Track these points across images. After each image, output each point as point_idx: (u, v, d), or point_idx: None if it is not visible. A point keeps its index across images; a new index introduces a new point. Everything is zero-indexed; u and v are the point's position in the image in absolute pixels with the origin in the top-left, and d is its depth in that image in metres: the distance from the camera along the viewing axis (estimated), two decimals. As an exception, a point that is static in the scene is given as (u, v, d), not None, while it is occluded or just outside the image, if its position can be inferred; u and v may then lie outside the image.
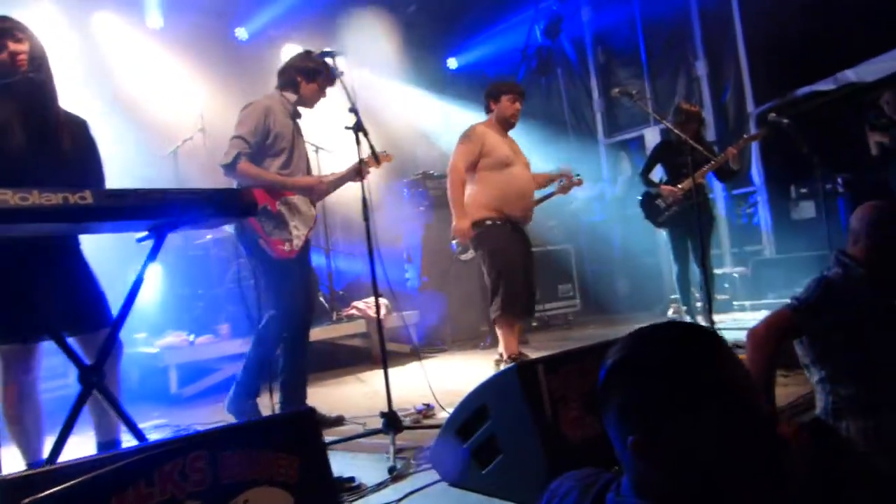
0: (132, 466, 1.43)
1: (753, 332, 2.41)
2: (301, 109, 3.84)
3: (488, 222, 4.49)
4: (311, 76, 3.77)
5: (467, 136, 4.57)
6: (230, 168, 3.53)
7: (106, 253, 5.01)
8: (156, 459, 1.47)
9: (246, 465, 1.60)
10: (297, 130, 3.79)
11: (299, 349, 3.74)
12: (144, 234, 2.63)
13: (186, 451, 1.52)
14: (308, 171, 3.87)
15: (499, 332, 4.56)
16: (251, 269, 3.79)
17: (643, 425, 1.04)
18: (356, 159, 3.38)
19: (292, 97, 3.78)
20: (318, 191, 3.78)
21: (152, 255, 2.59)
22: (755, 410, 1.08)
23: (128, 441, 2.84)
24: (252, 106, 3.64)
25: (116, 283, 4.71)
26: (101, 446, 2.99)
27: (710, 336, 1.14)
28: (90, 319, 2.84)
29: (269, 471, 1.64)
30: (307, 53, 3.85)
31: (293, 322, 3.67)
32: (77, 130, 2.96)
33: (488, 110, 4.73)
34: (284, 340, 3.68)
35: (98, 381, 2.38)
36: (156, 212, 2.36)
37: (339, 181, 3.84)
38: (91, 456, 1.51)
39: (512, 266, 4.47)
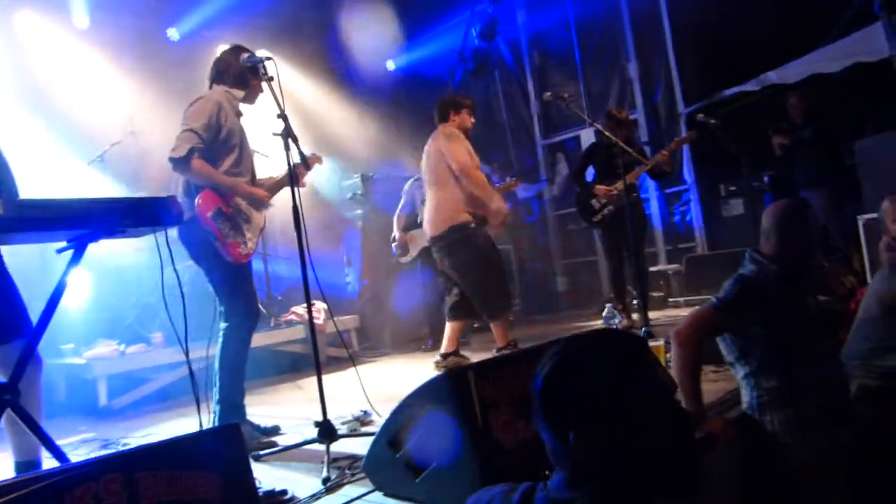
0: (40, 492, 1.37)
1: (677, 332, 2.49)
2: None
3: (472, 224, 4.58)
4: (257, 72, 3.55)
5: (457, 136, 4.65)
6: (183, 162, 3.31)
7: (29, 259, 4.86)
8: (66, 483, 1.41)
9: (164, 486, 1.56)
10: (243, 131, 3.68)
11: (243, 360, 3.61)
12: (63, 244, 2.54)
13: (100, 474, 1.46)
14: (253, 170, 3.78)
15: (497, 328, 4.65)
16: (204, 269, 3.57)
17: (573, 427, 1.14)
18: (286, 166, 3.32)
19: (239, 94, 3.64)
20: (264, 204, 3.71)
21: (72, 265, 2.50)
22: (670, 412, 1.19)
23: (49, 460, 2.72)
24: (203, 100, 3.47)
25: (38, 289, 4.57)
26: (20, 466, 2.84)
27: (635, 344, 1.24)
28: (5, 331, 2.70)
29: (190, 490, 1.59)
30: (243, 48, 3.69)
31: (250, 325, 3.59)
32: None
33: (446, 118, 4.77)
34: (225, 349, 3.54)
35: (12, 400, 2.28)
36: (75, 222, 2.29)
37: (276, 186, 3.78)
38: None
39: (498, 265, 4.68)
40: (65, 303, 2.49)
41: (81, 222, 2.31)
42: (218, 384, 3.48)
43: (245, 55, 3.59)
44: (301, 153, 3.20)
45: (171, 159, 3.34)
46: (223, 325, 3.54)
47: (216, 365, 3.52)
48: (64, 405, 4.81)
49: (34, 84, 6.27)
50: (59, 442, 2.50)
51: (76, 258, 2.48)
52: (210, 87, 3.67)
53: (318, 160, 3.74)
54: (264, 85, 3.25)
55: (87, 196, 3.42)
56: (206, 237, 3.39)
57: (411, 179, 6.68)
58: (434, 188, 4.73)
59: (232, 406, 3.47)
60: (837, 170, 5.96)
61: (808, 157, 6.02)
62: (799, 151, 6.06)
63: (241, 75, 3.61)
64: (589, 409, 1.13)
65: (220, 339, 3.54)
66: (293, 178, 3.26)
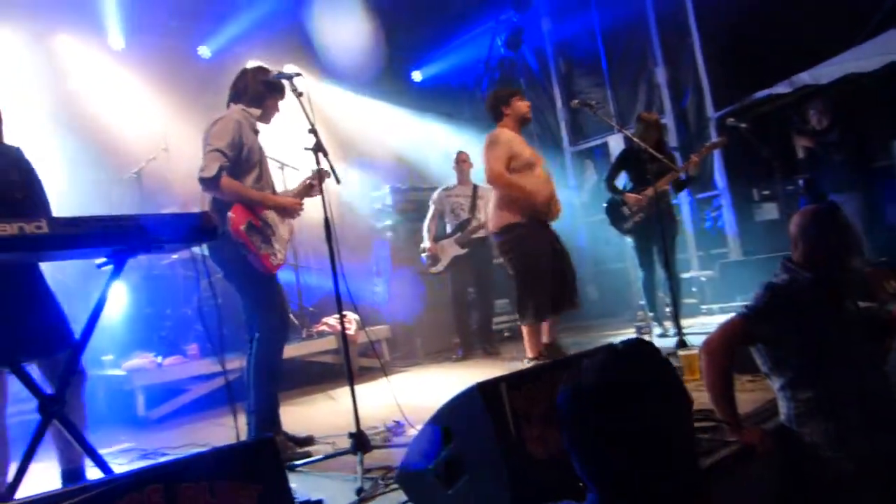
0: (87, 503, 1.42)
1: (707, 343, 2.46)
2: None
3: (516, 226, 4.61)
4: (275, 90, 3.74)
5: (494, 142, 4.64)
6: (213, 182, 3.39)
7: (69, 270, 4.98)
8: (111, 494, 1.45)
9: (205, 497, 1.59)
10: (261, 148, 3.76)
11: (277, 371, 3.67)
12: (103, 260, 2.61)
13: (142, 485, 1.50)
14: (273, 184, 3.86)
15: (525, 334, 4.68)
16: (236, 286, 3.64)
17: (591, 451, 1.15)
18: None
19: (256, 112, 3.73)
20: (295, 211, 3.77)
21: (112, 279, 2.56)
22: (691, 435, 1.18)
23: (92, 468, 2.79)
24: (224, 119, 3.56)
25: (80, 301, 4.69)
26: (65, 475, 2.95)
27: (656, 358, 1.21)
28: (51, 344, 2.80)
29: (230, 501, 1.63)
30: (263, 68, 3.80)
31: (282, 336, 3.65)
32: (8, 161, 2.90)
33: (501, 117, 4.80)
34: (260, 359, 3.56)
35: (58, 411, 2.34)
36: (114, 238, 2.34)
37: (301, 193, 3.84)
38: (44, 493, 1.48)
39: (541, 271, 4.58)
40: (103, 315, 2.55)
41: (120, 238, 2.37)
42: (252, 395, 3.52)
43: (270, 74, 3.68)
44: (332, 167, 3.24)
45: (202, 179, 3.41)
46: (256, 337, 3.57)
47: (249, 376, 3.56)
48: (104, 415, 4.90)
49: (72, 104, 6.46)
50: (99, 451, 2.56)
51: (116, 273, 2.55)
52: (228, 106, 3.75)
53: (328, 175, 3.73)
54: (296, 100, 3.30)
55: (125, 213, 3.55)
56: (237, 252, 3.44)
57: (439, 189, 6.73)
58: (492, 192, 4.88)
59: (266, 417, 3.51)
60: (868, 173, 5.88)
61: (837, 161, 5.95)
62: (826, 155, 6.00)
63: (259, 95, 3.70)
64: (611, 425, 1.13)
65: (253, 351, 3.57)
66: (314, 188, 3.30)
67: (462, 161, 6.67)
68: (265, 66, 3.82)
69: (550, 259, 4.64)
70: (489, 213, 4.87)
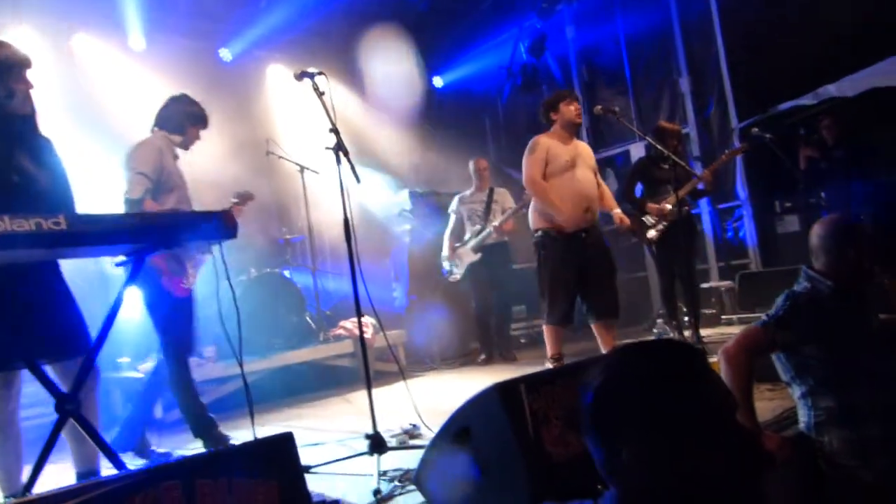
0: (103, 498, 1.40)
1: (725, 350, 2.43)
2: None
3: (540, 233, 4.73)
4: (197, 121, 4.01)
5: (532, 149, 4.75)
6: (137, 203, 3.59)
7: (86, 272, 5.00)
8: (127, 490, 1.44)
9: (223, 494, 1.57)
10: (180, 172, 3.93)
11: (189, 381, 3.88)
12: (122, 258, 2.61)
13: (159, 481, 1.49)
14: (192, 208, 3.98)
15: (545, 334, 4.80)
16: (147, 305, 3.80)
17: (626, 441, 1.09)
18: (337, 180, 3.34)
19: (177, 139, 3.93)
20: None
21: (131, 279, 2.56)
22: (732, 428, 1.12)
23: (108, 469, 2.78)
24: (147, 145, 3.78)
25: (97, 303, 4.70)
26: (80, 476, 2.93)
27: (690, 355, 1.17)
28: (68, 346, 2.79)
29: (248, 498, 1.61)
30: (187, 98, 4.02)
31: (185, 354, 3.83)
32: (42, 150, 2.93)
33: (550, 122, 4.86)
34: (174, 375, 3.80)
35: (74, 410, 2.34)
36: (132, 236, 2.34)
37: None
38: (61, 488, 1.47)
39: (557, 279, 4.65)
40: (120, 317, 2.55)
41: (140, 236, 2.36)
42: (182, 407, 3.88)
43: (195, 105, 3.99)
44: (352, 166, 3.23)
45: (127, 200, 3.61)
46: (160, 357, 3.85)
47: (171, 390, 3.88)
48: (121, 418, 4.91)
49: (92, 104, 6.49)
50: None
51: (135, 272, 2.55)
52: (151, 131, 3.94)
53: (251, 198, 4.14)
54: (318, 100, 3.29)
55: (145, 211, 3.58)
56: (154, 272, 3.61)
57: (456, 197, 6.71)
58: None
59: (202, 422, 3.82)
60: (869, 191, 5.85)
61: (839, 177, 5.92)
62: (830, 170, 5.97)
63: (180, 124, 3.94)
64: (643, 422, 1.08)
65: (165, 370, 3.83)
66: (344, 191, 3.29)
67: (482, 169, 6.66)
68: (190, 96, 4.05)
69: (574, 270, 4.62)
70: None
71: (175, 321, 3.73)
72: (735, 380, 2.41)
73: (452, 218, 6.67)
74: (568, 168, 4.65)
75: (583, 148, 4.88)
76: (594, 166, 4.89)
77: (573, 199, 4.59)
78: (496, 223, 6.31)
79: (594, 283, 4.66)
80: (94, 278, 5.13)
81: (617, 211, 4.95)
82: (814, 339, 2.38)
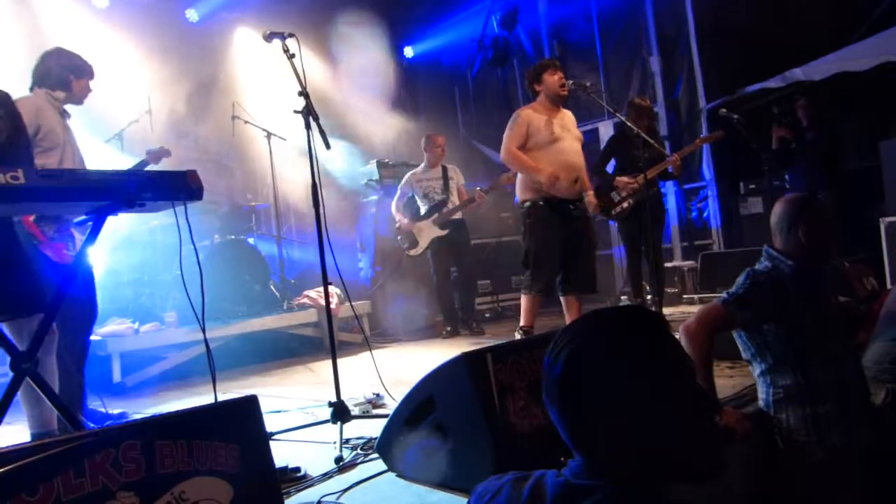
0: (59, 455, 1.37)
1: (686, 327, 2.45)
2: (78, 108, 3.82)
3: (528, 204, 4.71)
4: (81, 73, 3.79)
5: (512, 122, 4.74)
6: None
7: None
8: (85, 449, 1.41)
9: (183, 455, 1.55)
10: (67, 130, 3.75)
11: (81, 356, 3.74)
12: (83, 217, 2.54)
13: (118, 441, 1.46)
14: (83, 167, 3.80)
15: (522, 303, 4.82)
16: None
17: (595, 409, 1.09)
18: (305, 145, 3.28)
19: (61, 95, 3.74)
20: None
21: (90, 239, 2.50)
22: (693, 393, 1.14)
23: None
24: (24, 102, 3.52)
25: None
26: (36, 438, 2.87)
27: (656, 321, 1.18)
28: (25, 304, 2.72)
29: (208, 460, 1.59)
30: (64, 50, 3.81)
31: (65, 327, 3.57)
32: None
33: (535, 94, 4.84)
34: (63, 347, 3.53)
35: (30, 369, 2.28)
36: (94, 193, 2.27)
37: None
38: (17, 444, 1.44)
39: (541, 249, 4.65)
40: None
41: (101, 193, 2.29)
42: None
43: (74, 57, 3.75)
44: (322, 131, 3.18)
45: None
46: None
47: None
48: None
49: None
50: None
51: (95, 232, 2.48)
52: (31, 90, 3.73)
53: (167, 154, 3.98)
54: (289, 62, 3.21)
55: (107, 168, 3.47)
56: (28, 240, 3.30)
57: (408, 174, 6.64)
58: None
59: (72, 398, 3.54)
60: (839, 173, 5.99)
61: (810, 158, 6.03)
62: (802, 152, 6.07)
63: (62, 78, 3.72)
64: (611, 390, 1.08)
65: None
66: (313, 155, 3.23)
67: (437, 146, 6.56)
68: (64, 48, 3.82)
69: (560, 240, 4.64)
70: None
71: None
72: (695, 355, 2.44)
73: (399, 192, 6.58)
74: (552, 140, 4.63)
75: (569, 118, 4.87)
76: (580, 136, 4.90)
77: (561, 171, 4.57)
78: (473, 195, 6.27)
79: (576, 256, 4.69)
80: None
81: (590, 194, 4.95)
82: (773, 318, 2.40)
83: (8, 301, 2.67)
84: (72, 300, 3.45)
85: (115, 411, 3.89)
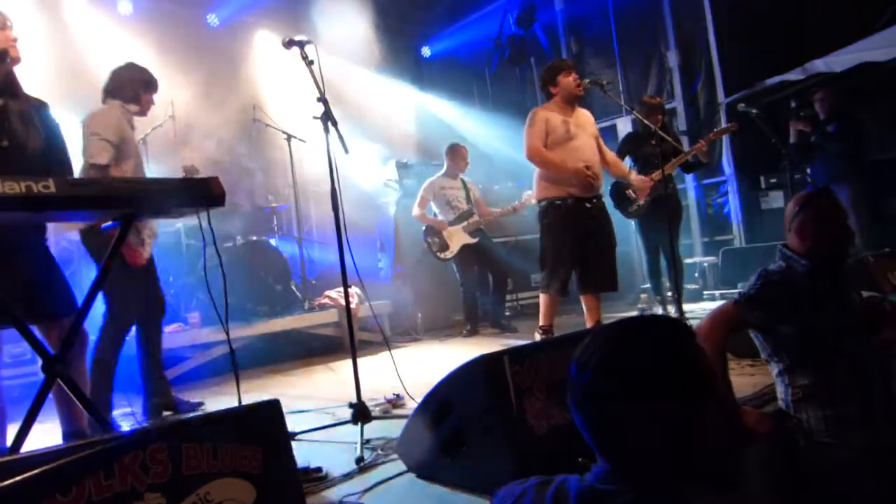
0: (91, 458, 1.42)
1: (699, 329, 2.43)
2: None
3: (545, 203, 4.75)
4: (149, 87, 4.04)
5: (531, 120, 4.76)
6: (104, 169, 3.61)
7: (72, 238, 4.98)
8: (115, 451, 1.46)
9: (208, 457, 1.60)
10: (134, 139, 3.99)
11: (157, 348, 4.03)
12: (109, 223, 2.61)
13: (146, 443, 1.51)
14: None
15: (540, 303, 4.85)
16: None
17: (622, 419, 1.12)
18: (325, 149, 3.33)
19: (133, 108, 3.96)
20: None
21: (118, 244, 2.56)
22: (717, 400, 1.16)
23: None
24: (106, 112, 3.81)
25: (85, 269, 4.68)
26: (67, 436, 2.97)
27: (684, 332, 1.20)
28: (53, 307, 2.81)
29: (232, 462, 1.64)
30: (135, 65, 4.05)
31: (119, 326, 3.81)
32: (35, 113, 2.91)
33: (550, 95, 4.88)
34: (100, 348, 3.75)
35: (62, 371, 2.35)
36: (120, 201, 2.33)
37: None
38: (50, 447, 1.50)
39: (560, 249, 4.68)
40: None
41: (128, 202, 2.35)
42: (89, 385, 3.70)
43: (145, 72, 4.02)
44: (340, 136, 3.22)
45: (94, 165, 3.59)
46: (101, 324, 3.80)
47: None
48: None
49: (80, 69, 6.41)
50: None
51: (122, 237, 2.54)
52: (104, 101, 3.94)
53: (196, 171, 4.09)
54: (307, 69, 3.26)
55: (133, 177, 3.57)
56: (104, 242, 3.46)
57: (431, 179, 6.65)
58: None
59: (99, 401, 3.62)
60: (862, 165, 5.90)
61: (831, 151, 5.96)
62: (823, 144, 6.00)
63: (135, 92, 3.96)
64: (639, 397, 1.11)
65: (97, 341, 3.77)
66: (332, 161, 3.27)
67: (462, 158, 6.64)
68: (138, 64, 4.10)
69: (576, 239, 4.66)
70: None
71: (117, 291, 3.69)
72: (710, 356, 2.43)
73: (421, 197, 6.59)
74: (568, 138, 4.66)
75: (584, 117, 4.87)
76: (596, 133, 4.90)
77: (573, 169, 4.60)
78: (517, 203, 6.40)
79: (594, 254, 4.71)
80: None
81: (634, 176, 5.00)
82: (787, 319, 2.37)
83: (37, 304, 2.76)
84: (118, 301, 3.73)
85: (195, 400, 4.20)
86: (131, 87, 3.95)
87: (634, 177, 5.53)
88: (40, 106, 2.97)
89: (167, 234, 5.86)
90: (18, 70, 2.99)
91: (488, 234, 6.75)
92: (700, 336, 2.43)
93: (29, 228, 2.83)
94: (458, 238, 6.46)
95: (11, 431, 2.53)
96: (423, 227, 6.58)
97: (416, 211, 6.59)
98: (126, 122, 3.87)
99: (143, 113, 4.08)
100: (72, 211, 2.32)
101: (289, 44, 3.34)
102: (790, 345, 2.39)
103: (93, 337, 4.24)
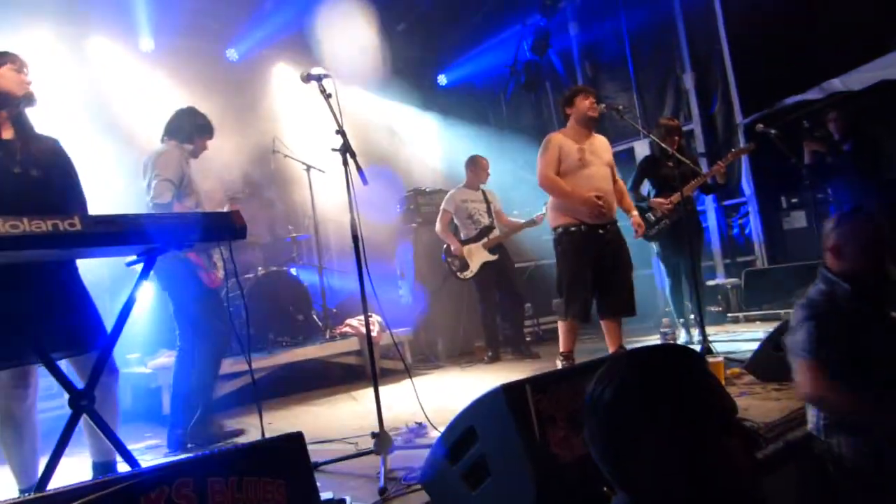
0: (117, 495, 1.44)
1: (808, 398, 2.40)
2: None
3: (560, 230, 4.78)
4: (204, 132, 4.32)
5: (544, 147, 4.81)
6: (167, 207, 3.86)
7: (100, 270, 5.05)
8: (141, 487, 1.48)
9: (233, 491, 1.61)
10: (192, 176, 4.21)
11: (216, 372, 4.20)
12: (133, 258, 2.65)
13: (172, 479, 1.52)
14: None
15: (559, 330, 4.86)
16: (174, 299, 4.08)
17: (638, 451, 1.12)
18: (344, 179, 3.37)
19: (188, 148, 4.23)
20: None
21: (143, 276, 2.60)
22: (735, 431, 1.15)
23: (122, 464, 2.83)
24: (168, 153, 4.06)
25: (110, 301, 4.75)
26: (97, 467, 3.00)
27: (699, 363, 1.20)
28: (83, 341, 2.84)
29: (256, 495, 1.64)
30: (195, 110, 4.33)
31: (207, 348, 4.04)
32: (48, 151, 2.99)
33: (566, 118, 4.93)
34: (201, 370, 4.03)
35: (88, 406, 2.38)
36: (145, 236, 2.37)
37: None
38: (77, 484, 1.51)
39: (576, 275, 4.69)
40: (131, 314, 2.60)
41: (152, 237, 2.39)
42: (171, 408, 4.05)
43: (201, 117, 4.29)
44: (359, 167, 3.26)
45: (157, 205, 3.85)
46: (178, 346, 4.10)
47: (172, 389, 4.07)
48: (130, 412, 4.96)
49: (106, 105, 6.58)
50: (127, 447, 2.59)
51: (146, 271, 2.59)
52: (162, 141, 4.25)
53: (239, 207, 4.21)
54: (324, 102, 3.31)
55: (156, 212, 3.65)
56: (186, 267, 3.88)
57: (452, 192, 6.66)
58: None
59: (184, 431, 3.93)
60: (879, 184, 5.85)
61: (848, 171, 5.92)
62: (838, 164, 5.97)
63: (190, 134, 4.24)
64: (655, 430, 1.11)
65: (175, 363, 4.08)
66: (351, 193, 3.31)
67: (483, 169, 6.62)
68: (198, 110, 4.37)
69: (592, 266, 4.66)
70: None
71: (202, 313, 3.97)
72: (837, 406, 2.33)
73: (443, 212, 6.55)
74: (581, 166, 4.68)
75: (599, 143, 4.88)
76: (611, 161, 4.90)
77: (577, 194, 4.62)
78: (537, 216, 6.34)
79: (611, 280, 4.70)
80: (105, 277, 5.18)
81: (635, 214, 4.99)
82: (842, 347, 2.32)
83: (67, 338, 2.79)
84: (200, 325, 4.01)
85: (233, 427, 4.33)
86: (189, 129, 4.23)
87: (653, 200, 5.53)
88: (54, 142, 3.07)
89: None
90: (42, 107, 3.07)
91: (510, 254, 6.73)
92: (815, 401, 2.36)
93: (58, 262, 2.87)
94: (478, 256, 6.44)
95: (42, 464, 2.55)
96: (444, 247, 6.59)
97: (438, 227, 6.57)
98: (185, 161, 4.11)
99: (194, 155, 4.29)
100: (97, 247, 2.36)
101: (307, 78, 3.39)
102: (835, 369, 2.33)
103: (120, 369, 4.32)
